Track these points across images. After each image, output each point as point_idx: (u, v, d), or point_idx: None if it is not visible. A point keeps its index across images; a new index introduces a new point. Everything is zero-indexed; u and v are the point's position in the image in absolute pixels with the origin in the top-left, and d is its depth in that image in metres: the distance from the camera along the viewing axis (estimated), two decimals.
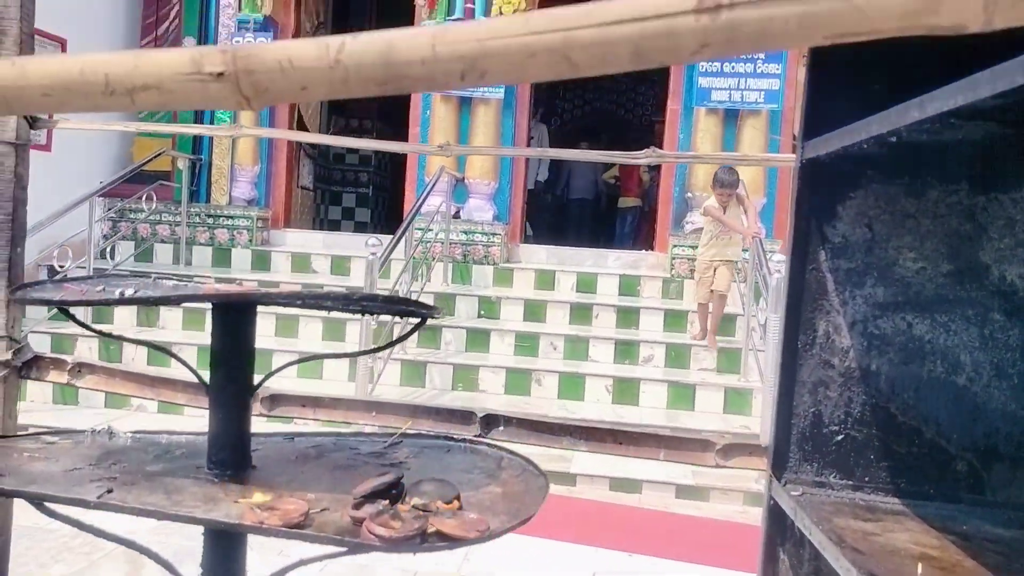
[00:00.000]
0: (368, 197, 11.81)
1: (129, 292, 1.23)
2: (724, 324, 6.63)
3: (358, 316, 5.99)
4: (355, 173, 11.83)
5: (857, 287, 1.53)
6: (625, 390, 5.96)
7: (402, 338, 2.82)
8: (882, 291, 1.52)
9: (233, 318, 1.20)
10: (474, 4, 7.78)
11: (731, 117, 7.59)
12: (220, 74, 0.69)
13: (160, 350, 1.44)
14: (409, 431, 1.43)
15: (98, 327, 1.30)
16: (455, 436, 1.40)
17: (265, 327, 6.61)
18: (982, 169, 1.48)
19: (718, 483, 4.71)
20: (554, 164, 11.71)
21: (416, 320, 1.29)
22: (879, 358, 1.52)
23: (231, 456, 1.23)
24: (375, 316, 5.40)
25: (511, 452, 1.34)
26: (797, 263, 1.55)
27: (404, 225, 6.18)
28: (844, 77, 1.53)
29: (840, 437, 1.54)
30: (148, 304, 1.46)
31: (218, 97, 0.71)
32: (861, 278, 1.52)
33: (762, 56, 7.38)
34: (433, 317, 1.24)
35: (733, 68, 7.43)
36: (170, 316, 6.66)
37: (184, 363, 1.31)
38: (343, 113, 11.54)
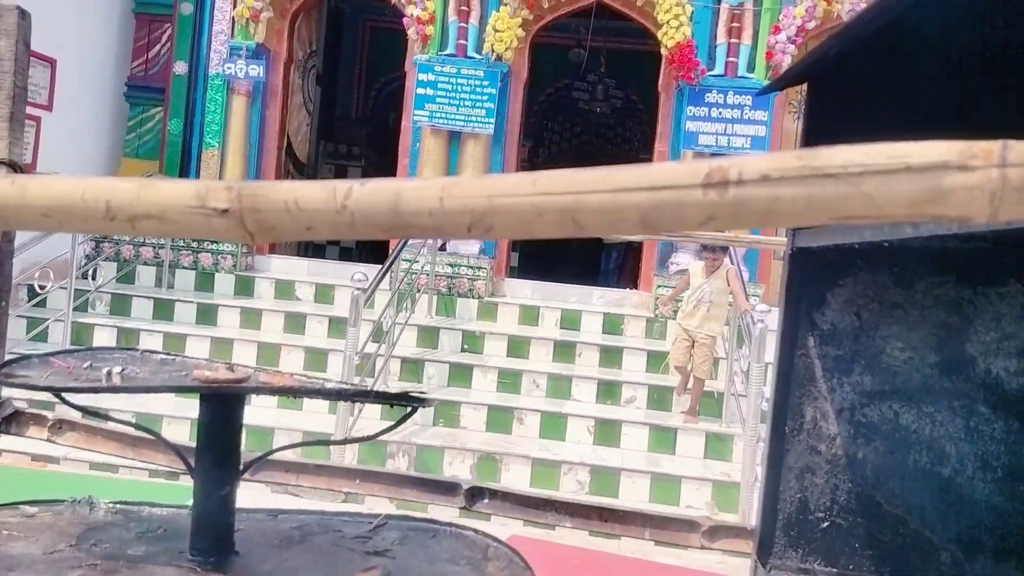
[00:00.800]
0: None
1: (117, 371, 1.21)
2: None
3: (340, 347, 5.97)
4: None
5: (845, 374, 1.54)
6: (607, 431, 5.94)
7: (391, 427, 2.78)
8: (869, 379, 1.53)
9: (222, 406, 1.19)
10: (466, 41, 7.84)
11: None
12: (225, 211, 0.69)
13: (145, 431, 1.42)
14: (393, 514, 1.41)
15: (81, 404, 1.28)
16: (440, 521, 1.39)
17: (246, 356, 6.56)
18: (969, 263, 1.50)
19: None
20: None
21: (408, 407, 1.28)
22: (866, 446, 1.53)
23: (214, 543, 1.21)
24: (358, 352, 5.38)
25: (497, 541, 1.33)
26: (786, 348, 1.55)
27: (390, 260, 6.17)
28: None
29: (826, 524, 1.54)
30: (134, 392, 1.45)
31: (222, 231, 0.70)
32: (849, 365, 1.53)
33: (749, 103, 7.48)
34: (424, 406, 1.23)
35: (720, 114, 7.53)
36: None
37: (170, 445, 1.29)
38: (332, 138, 11.55)
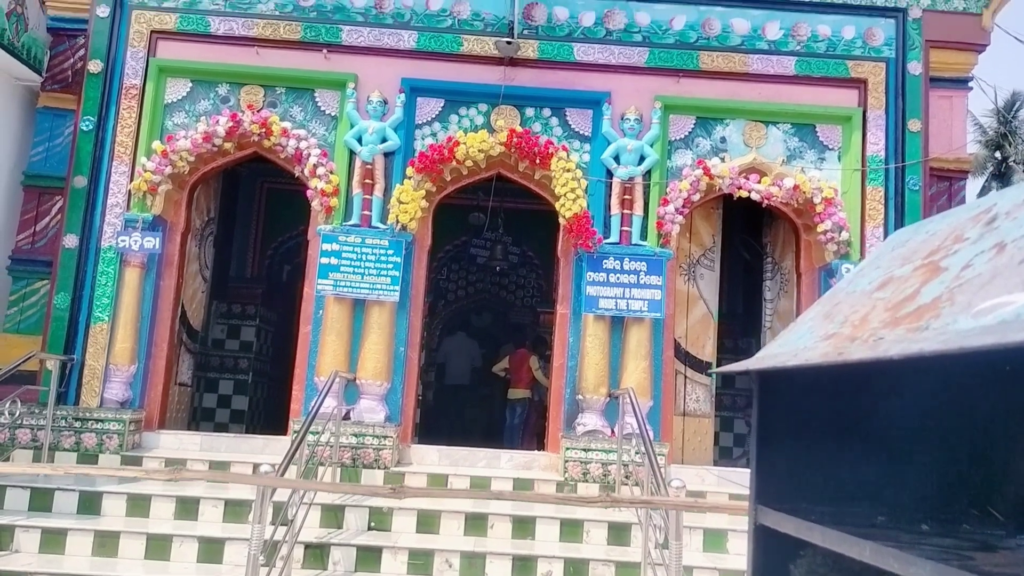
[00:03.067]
0: (247, 384, 11.38)
1: None
2: (619, 532, 6.62)
3: (244, 536, 5.61)
4: (235, 359, 11.45)
5: None
6: None
7: None
8: None
9: None
10: (371, 212, 7.96)
11: (617, 323, 7.90)
12: None
13: None
14: None
15: None
16: None
17: (134, 550, 6.07)
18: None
19: None
20: (427, 348, 11.75)
21: None
22: None
23: None
24: (263, 551, 5.06)
25: None
26: None
27: (296, 442, 5.91)
28: (789, 450, 1.61)
29: None
30: None
31: None
32: None
33: (644, 269, 7.84)
34: None
35: (618, 279, 7.83)
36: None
37: None
38: (225, 298, 11.30)
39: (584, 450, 7.59)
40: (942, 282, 1.26)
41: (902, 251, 1.62)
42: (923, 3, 8.29)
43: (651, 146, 8.08)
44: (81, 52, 8.08)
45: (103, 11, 8.12)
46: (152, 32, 8.16)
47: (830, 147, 8.22)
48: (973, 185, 21.85)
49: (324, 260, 7.84)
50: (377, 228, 7.94)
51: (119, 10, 8.16)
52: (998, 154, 22.94)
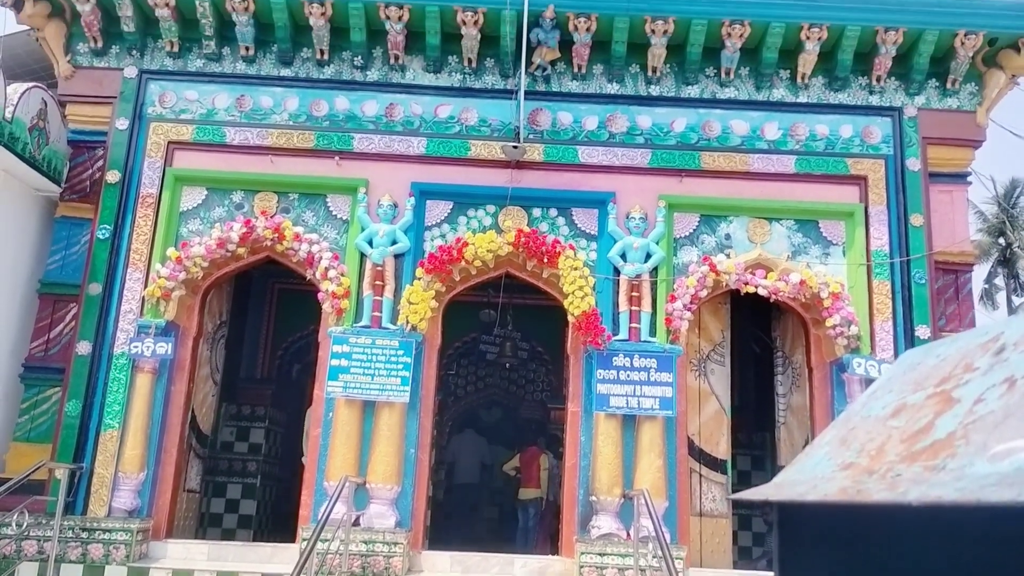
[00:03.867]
0: (255, 488, 11.22)
1: None
2: None
3: None
4: (243, 462, 11.32)
5: None
6: None
7: None
8: None
9: None
10: (381, 313, 8.03)
11: (629, 421, 7.83)
12: None
13: None
14: None
15: None
16: None
17: None
18: None
19: None
20: (436, 446, 11.64)
21: None
22: None
23: None
24: None
25: None
26: None
27: (305, 554, 5.81)
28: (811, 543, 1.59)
29: None
30: None
31: None
32: None
33: (654, 365, 7.83)
34: None
35: (628, 376, 7.81)
36: None
37: None
38: (235, 400, 11.27)
39: (599, 554, 7.41)
40: (955, 415, 1.27)
41: (914, 375, 1.64)
42: (918, 102, 8.53)
43: (657, 244, 8.19)
44: (100, 163, 8.32)
45: (122, 124, 8.42)
46: (169, 143, 8.44)
47: (834, 242, 8.32)
48: (978, 270, 21.95)
49: (335, 362, 7.86)
50: (387, 329, 7.99)
51: (137, 122, 8.46)
52: (1001, 240, 23.11)
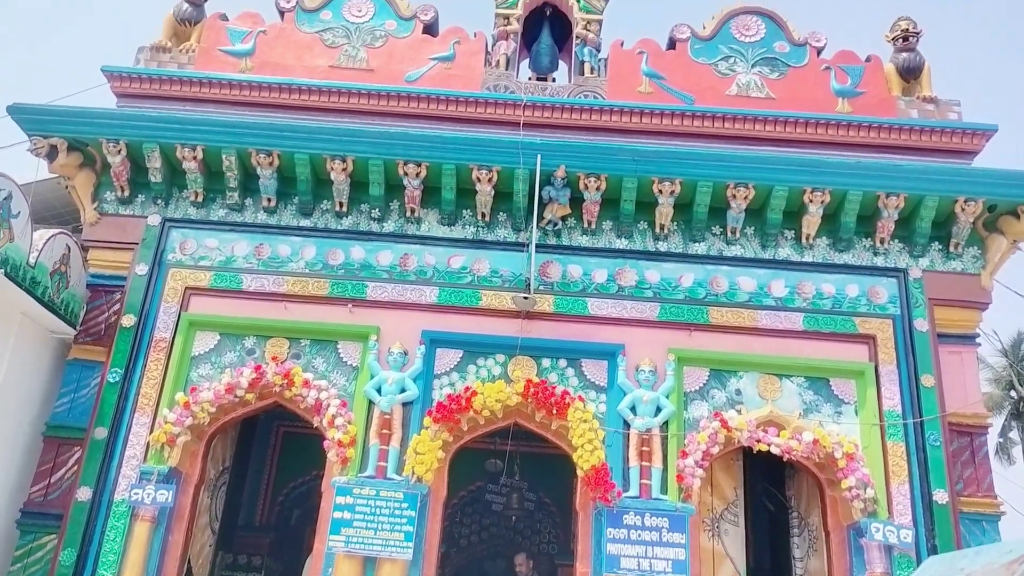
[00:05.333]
0: None
1: None
2: None
3: None
4: None
5: None
6: None
7: None
8: None
9: None
10: (386, 463, 7.91)
11: None
12: None
13: None
14: None
15: None
16: None
17: None
18: None
19: None
20: None
21: None
22: None
23: None
24: None
25: None
26: None
27: None
28: None
29: None
30: None
31: None
32: None
33: (666, 525, 7.61)
34: None
35: (640, 536, 7.59)
36: None
37: None
38: (231, 549, 10.91)
39: None
40: None
41: None
42: (922, 264, 8.68)
43: (667, 397, 8.14)
44: (116, 307, 8.45)
45: (141, 269, 8.60)
46: (186, 288, 8.59)
47: (846, 401, 8.26)
48: (992, 424, 21.64)
49: (337, 514, 7.67)
50: (392, 480, 7.84)
51: (157, 268, 8.65)
52: (1013, 393, 22.90)
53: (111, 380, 8.12)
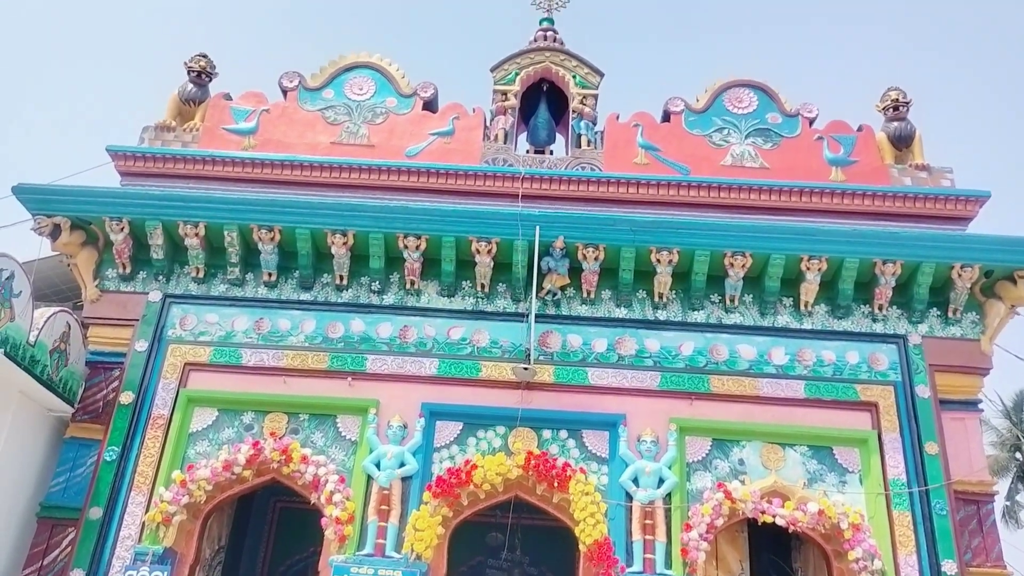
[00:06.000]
0: None
1: None
2: None
3: None
4: None
5: None
6: None
7: None
8: None
9: None
10: (385, 540, 7.78)
11: None
12: None
13: None
14: None
15: None
16: None
17: None
18: None
19: None
20: None
21: None
22: None
23: None
24: None
25: None
26: None
27: None
28: None
29: None
30: None
31: None
32: None
33: None
34: None
35: None
36: None
37: None
38: None
39: None
40: None
41: None
42: (921, 330, 8.69)
43: (669, 468, 8.05)
44: (115, 384, 8.43)
45: (141, 346, 8.61)
46: (186, 364, 8.59)
47: (850, 470, 8.17)
48: (997, 487, 21.34)
49: None
50: (391, 558, 7.70)
51: (156, 344, 8.66)
52: (1018, 455, 22.63)
53: (107, 459, 8.05)
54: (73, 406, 8.32)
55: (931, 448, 8.10)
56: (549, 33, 10.68)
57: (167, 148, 9.49)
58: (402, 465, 8.08)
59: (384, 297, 8.97)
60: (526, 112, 10.55)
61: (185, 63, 10.07)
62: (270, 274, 8.91)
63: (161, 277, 8.98)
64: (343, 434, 8.38)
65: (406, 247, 8.63)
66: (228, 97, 10.01)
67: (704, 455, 8.28)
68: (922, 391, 8.38)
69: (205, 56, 10.10)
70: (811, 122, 9.82)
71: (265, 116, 9.83)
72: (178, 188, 9.11)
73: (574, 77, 10.21)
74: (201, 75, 10.03)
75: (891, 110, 9.79)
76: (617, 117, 9.90)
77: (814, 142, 9.65)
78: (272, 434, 8.22)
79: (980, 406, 8.62)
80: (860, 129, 9.76)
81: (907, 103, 9.76)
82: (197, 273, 8.92)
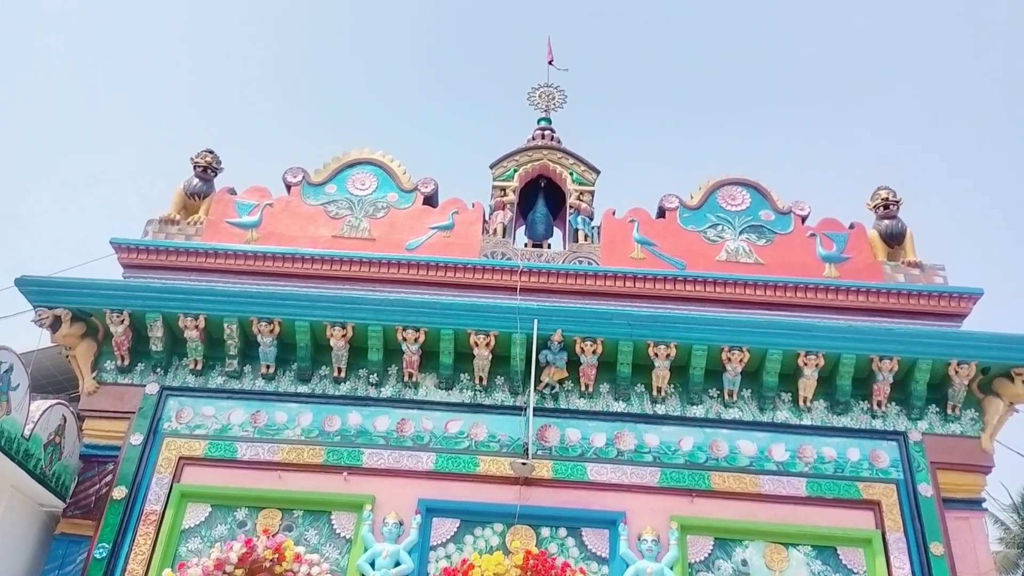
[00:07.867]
0: None
1: None
2: None
3: None
4: None
5: None
6: None
7: None
8: None
9: None
10: None
11: None
12: None
13: None
14: None
15: None
16: None
17: None
18: None
19: None
20: None
21: None
22: None
23: None
24: None
25: None
26: None
27: None
28: None
29: None
30: None
31: None
32: None
33: None
34: None
35: None
36: None
37: None
38: None
39: None
40: None
41: None
42: (921, 427, 8.65)
43: (671, 569, 7.88)
44: (108, 478, 8.30)
45: (136, 439, 8.52)
46: (180, 458, 8.48)
47: (855, 571, 8.00)
48: None
49: None
50: None
51: (152, 437, 8.57)
52: None
53: (97, 556, 7.86)
54: (65, 501, 8.18)
55: (936, 549, 7.96)
56: (547, 132, 10.99)
57: (169, 241, 9.62)
58: (397, 564, 7.90)
59: (382, 390, 8.94)
60: (524, 207, 10.75)
61: (191, 158, 10.30)
62: (268, 366, 8.91)
63: (159, 369, 8.96)
64: (338, 531, 8.23)
65: (405, 339, 8.66)
66: (232, 191, 10.20)
67: (706, 555, 8.12)
68: (924, 489, 8.28)
69: (211, 152, 10.34)
70: (803, 219, 10.02)
71: (268, 210, 10.00)
72: (180, 281, 9.19)
73: (571, 174, 10.45)
74: (207, 170, 10.26)
75: (881, 208, 9.99)
76: (613, 212, 10.09)
77: (807, 239, 9.82)
78: (265, 531, 8.05)
79: (984, 504, 8.52)
80: (852, 227, 9.95)
81: (897, 202, 9.97)
82: (195, 365, 8.91)
